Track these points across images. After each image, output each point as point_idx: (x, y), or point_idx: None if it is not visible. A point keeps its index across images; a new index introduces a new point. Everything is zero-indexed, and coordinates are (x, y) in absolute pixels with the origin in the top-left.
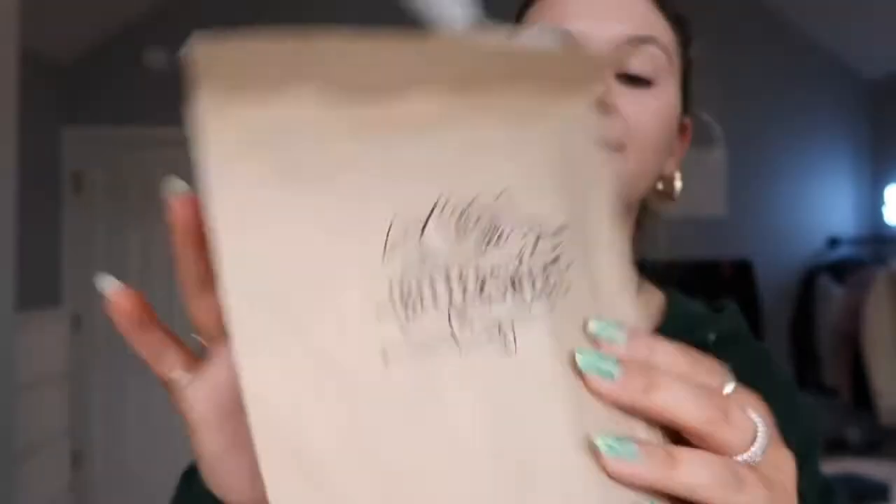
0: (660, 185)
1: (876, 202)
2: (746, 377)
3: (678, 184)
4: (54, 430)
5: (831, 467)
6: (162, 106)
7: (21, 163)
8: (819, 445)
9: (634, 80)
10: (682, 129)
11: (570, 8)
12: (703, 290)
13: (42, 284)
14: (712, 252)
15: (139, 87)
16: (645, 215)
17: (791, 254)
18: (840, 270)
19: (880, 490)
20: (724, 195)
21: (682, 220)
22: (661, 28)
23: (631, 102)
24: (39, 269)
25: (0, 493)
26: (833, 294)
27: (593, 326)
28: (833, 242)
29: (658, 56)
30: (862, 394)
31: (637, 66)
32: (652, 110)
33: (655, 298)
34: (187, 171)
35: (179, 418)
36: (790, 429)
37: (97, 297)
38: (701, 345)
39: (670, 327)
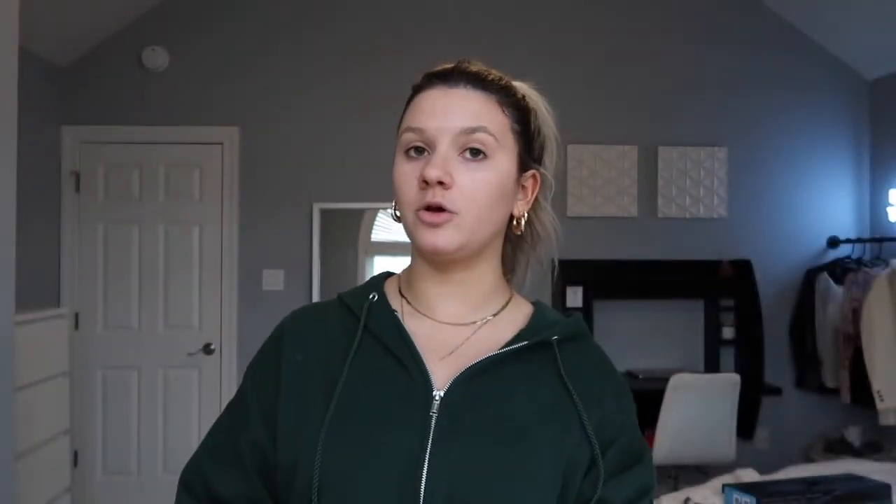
0: (514, 223)
1: (876, 202)
2: (585, 370)
3: (524, 222)
4: (54, 430)
5: (831, 467)
6: (161, 106)
7: (21, 163)
8: (644, 455)
9: (473, 155)
10: (534, 178)
11: (424, 109)
12: (705, 289)
13: (42, 284)
14: (713, 252)
15: (138, 88)
16: (520, 245)
17: (791, 254)
18: (840, 270)
19: (880, 490)
20: (724, 196)
21: (683, 221)
22: (493, 117)
23: (467, 176)
24: (39, 269)
25: (0, 493)
26: (833, 294)
27: None
28: (833, 242)
29: (486, 139)
30: (862, 394)
31: (473, 147)
32: (482, 179)
33: (525, 309)
34: (186, 171)
35: (179, 419)
36: (618, 433)
37: (97, 297)
38: (546, 343)
39: (527, 330)
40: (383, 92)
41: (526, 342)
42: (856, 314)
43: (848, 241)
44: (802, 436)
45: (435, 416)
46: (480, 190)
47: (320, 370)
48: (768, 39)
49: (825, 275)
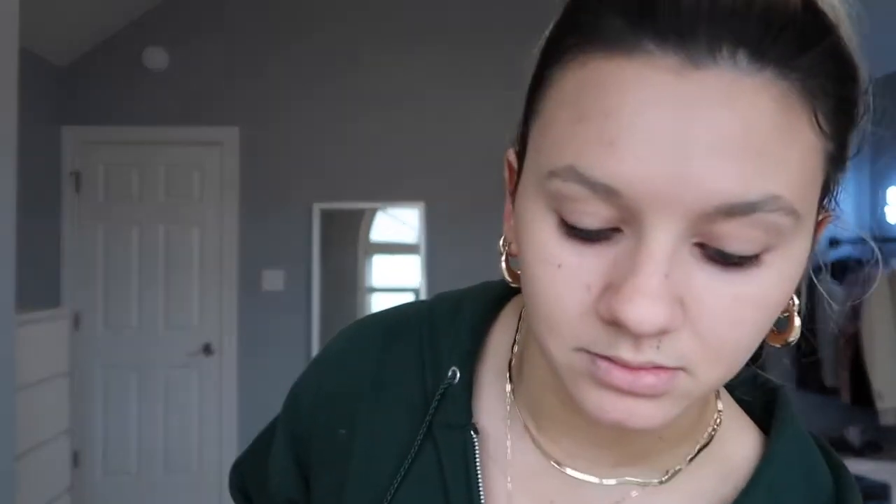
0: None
1: (876, 202)
2: None
3: (797, 322)
4: (54, 430)
5: None
6: (161, 106)
7: (21, 163)
8: None
9: (728, 259)
10: (823, 223)
11: (617, 130)
12: None
13: (42, 284)
14: None
15: (138, 88)
16: None
17: None
18: (840, 270)
19: (880, 490)
20: None
21: None
22: (794, 151)
23: (716, 295)
24: (39, 269)
25: (0, 493)
26: (833, 294)
27: None
28: (833, 242)
29: (773, 224)
30: (862, 394)
31: (734, 246)
32: (750, 302)
33: (747, 442)
34: (186, 171)
35: (178, 419)
36: None
37: (97, 297)
38: None
39: None
40: (384, 91)
41: None
42: (856, 314)
43: (848, 241)
44: None
45: None
46: (744, 326)
47: (365, 461)
48: None
49: (825, 275)
